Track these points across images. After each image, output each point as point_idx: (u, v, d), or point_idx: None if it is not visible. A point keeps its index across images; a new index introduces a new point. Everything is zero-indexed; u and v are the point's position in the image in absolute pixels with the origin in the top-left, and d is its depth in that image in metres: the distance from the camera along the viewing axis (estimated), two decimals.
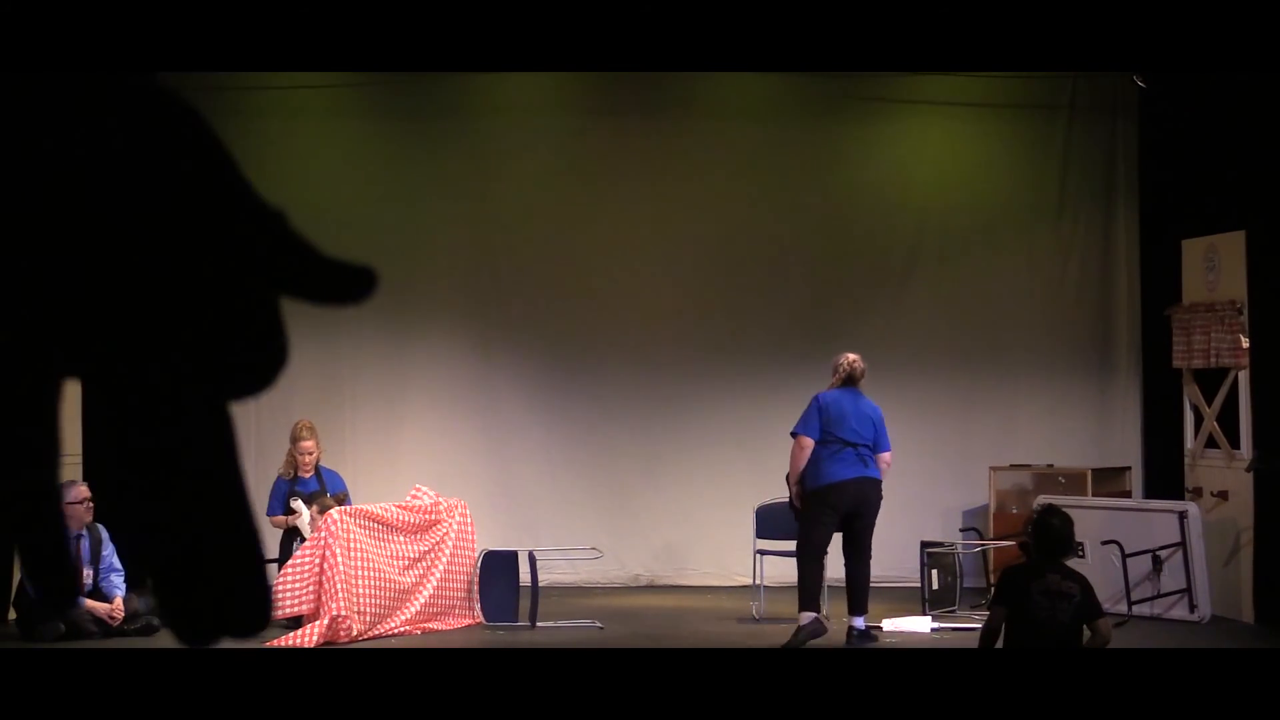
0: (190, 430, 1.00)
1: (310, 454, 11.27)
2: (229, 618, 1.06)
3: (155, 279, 0.98)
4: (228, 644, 1.17)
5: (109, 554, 10.54)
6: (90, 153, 0.98)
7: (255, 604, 1.07)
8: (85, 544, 10.51)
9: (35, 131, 0.98)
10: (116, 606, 10.41)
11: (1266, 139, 10.86)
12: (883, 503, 10.06)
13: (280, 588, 10.22)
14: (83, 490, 10.42)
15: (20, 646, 9.92)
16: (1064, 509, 7.42)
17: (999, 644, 7.08)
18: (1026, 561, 7.25)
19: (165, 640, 10.62)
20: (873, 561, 10.11)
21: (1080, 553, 11.44)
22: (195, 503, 1.01)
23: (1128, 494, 12.42)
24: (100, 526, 10.47)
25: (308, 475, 11.28)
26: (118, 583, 10.58)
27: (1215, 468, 11.54)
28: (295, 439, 11.35)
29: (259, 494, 11.81)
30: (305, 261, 1.03)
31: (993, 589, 7.76)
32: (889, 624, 10.38)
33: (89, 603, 10.34)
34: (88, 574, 10.47)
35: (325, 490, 11.12)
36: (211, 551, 1.03)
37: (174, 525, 1.01)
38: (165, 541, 1.02)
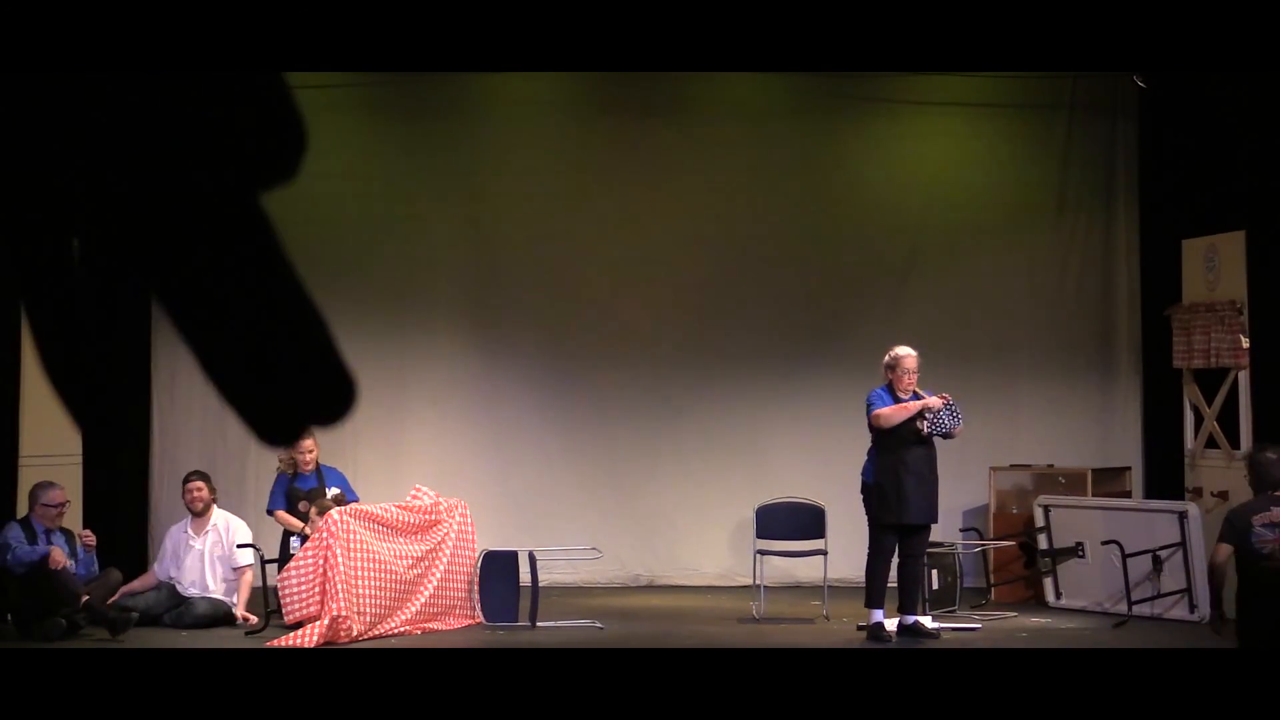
0: (232, 229, 0.98)
1: (311, 453, 11.27)
2: (313, 404, 1.05)
3: (163, 79, 0.96)
4: (315, 429, 1.12)
5: (80, 549, 10.63)
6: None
7: (338, 386, 1.05)
8: (62, 540, 10.53)
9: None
10: (86, 533, 10.55)
11: (1267, 139, 10.85)
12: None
13: (284, 593, 10.22)
14: (59, 494, 10.45)
15: (20, 646, 9.90)
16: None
17: (1226, 580, 7.67)
18: (1252, 499, 7.79)
19: (165, 640, 10.58)
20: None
21: (1080, 553, 11.45)
22: (257, 299, 0.99)
23: (1128, 494, 12.41)
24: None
25: (308, 472, 11.29)
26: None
27: (1215, 468, 11.53)
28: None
29: (259, 490, 11.80)
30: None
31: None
32: (890, 624, 10.38)
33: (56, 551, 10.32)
34: (72, 565, 10.47)
35: (324, 488, 11.12)
36: (283, 344, 1.01)
37: (240, 327, 0.99)
38: (236, 345, 1.00)
